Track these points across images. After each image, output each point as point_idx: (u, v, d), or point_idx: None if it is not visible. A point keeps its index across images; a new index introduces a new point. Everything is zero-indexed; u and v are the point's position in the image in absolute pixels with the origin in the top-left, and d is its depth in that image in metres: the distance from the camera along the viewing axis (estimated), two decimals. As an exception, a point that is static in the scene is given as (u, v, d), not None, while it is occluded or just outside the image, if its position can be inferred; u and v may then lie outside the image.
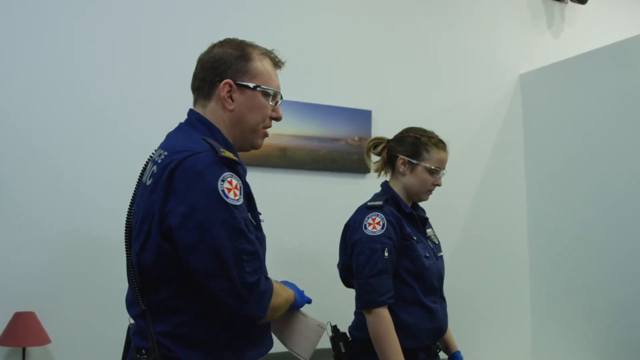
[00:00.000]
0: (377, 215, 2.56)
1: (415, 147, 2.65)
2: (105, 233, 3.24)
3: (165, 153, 1.70)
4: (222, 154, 1.64)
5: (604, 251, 3.99)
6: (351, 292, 2.63)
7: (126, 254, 1.76)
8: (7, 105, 3.16)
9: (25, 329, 2.97)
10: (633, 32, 4.12)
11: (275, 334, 2.00)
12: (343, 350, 2.57)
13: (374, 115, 4.04)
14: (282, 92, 1.92)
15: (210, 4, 3.65)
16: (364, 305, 2.51)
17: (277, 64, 1.92)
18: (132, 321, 1.82)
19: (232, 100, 1.81)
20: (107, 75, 3.37)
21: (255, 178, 3.50)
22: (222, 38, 1.93)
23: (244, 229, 1.63)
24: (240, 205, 1.64)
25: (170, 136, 1.86)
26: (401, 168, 2.66)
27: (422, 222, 2.73)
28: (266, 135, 1.92)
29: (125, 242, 1.77)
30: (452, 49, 4.46)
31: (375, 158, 2.81)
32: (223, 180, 1.61)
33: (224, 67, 1.81)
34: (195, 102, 1.88)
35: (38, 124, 3.21)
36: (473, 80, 4.53)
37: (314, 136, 3.85)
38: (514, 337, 4.50)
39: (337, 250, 2.79)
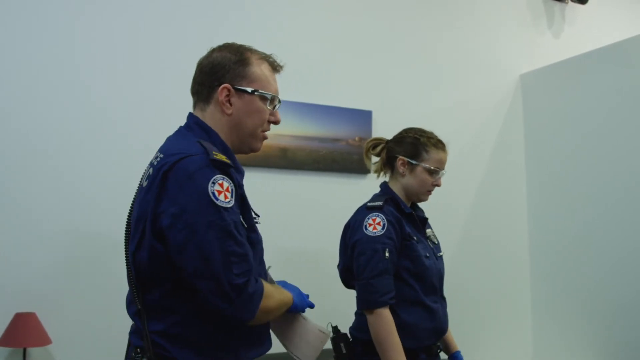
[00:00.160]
0: (378, 215, 2.56)
1: (414, 147, 2.65)
2: (105, 233, 3.24)
3: (161, 156, 1.73)
4: (214, 156, 1.67)
5: (605, 251, 3.99)
6: (352, 293, 2.63)
7: (125, 254, 1.79)
8: (7, 105, 3.16)
9: (25, 330, 2.96)
10: (633, 32, 4.13)
11: (277, 337, 2.00)
12: (344, 351, 2.57)
13: (374, 116, 4.04)
14: (282, 92, 1.95)
15: (210, 4, 3.65)
16: (365, 306, 2.50)
17: (275, 68, 1.94)
18: None
19: (231, 105, 1.83)
20: (107, 75, 3.37)
21: (256, 178, 3.56)
22: (222, 38, 1.94)
23: (234, 231, 1.65)
24: (230, 207, 1.65)
25: (169, 139, 1.88)
26: (400, 169, 2.66)
27: (421, 222, 2.73)
28: (265, 138, 1.94)
29: (125, 242, 1.79)
30: (452, 49, 4.46)
31: (374, 159, 2.81)
32: (214, 183, 1.64)
33: (223, 72, 1.83)
34: (194, 106, 1.90)
35: (38, 124, 3.20)
36: (473, 80, 4.53)
37: (314, 136, 3.85)
38: (515, 337, 4.49)
39: (338, 251, 2.78)
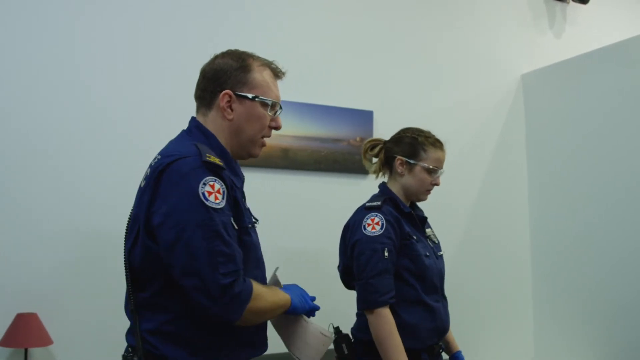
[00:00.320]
0: (376, 215, 2.56)
1: (412, 147, 2.65)
2: (106, 233, 3.23)
3: (159, 157, 1.78)
4: (207, 159, 1.70)
5: (606, 251, 3.98)
6: (353, 293, 2.63)
7: (123, 253, 1.82)
8: (7, 105, 3.16)
9: (27, 330, 2.96)
10: (634, 32, 4.12)
11: (281, 339, 2.00)
12: (346, 352, 2.57)
13: (375, 116, 4.04)
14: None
15: (210, 4, 3.65)
16: (365, 306, 2.50)
17: (277, 74, 1.97)
18: None
19: (232, 110, 1.87)
20: (107, 75, 3.37)
21: (257, 179, 3.57)
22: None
23: (222, 231, 1.67)
24: (220, 208, 1.69)
25: (169, 142, 1.91)
26: (399, 168, 2.66)
27: (421, 221, 2.73)
28: (264, 145, 1.97)
29: (124, 241, 1.83)
30: (453, 49, 4.46)
31: (374, 160, 2.81)
32: (205, 184, 1.67)
33: (225, 78, 1.87)
34: (197, 111, 1.95)
35: (38, 124, 3.20)
36: (475, 80, 4.53)
37: (315, 137, 3.85)
38: (516, 337, 4.49)
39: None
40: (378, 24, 4.18)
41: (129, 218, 1.82)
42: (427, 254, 2.61)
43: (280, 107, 1.97)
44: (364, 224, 2.56)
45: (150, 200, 1.71)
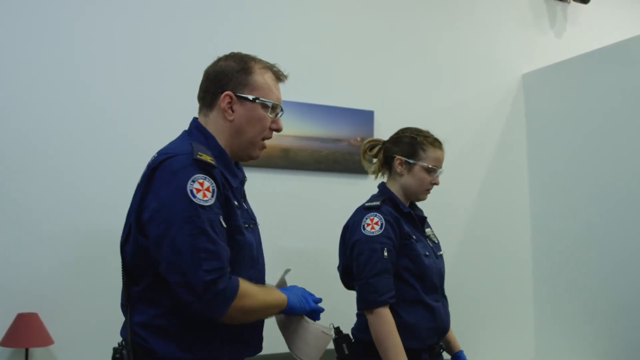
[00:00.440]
0: (375, 215, 2.56)
1: (411, 147, 2.65)
2: (106, 233, 3.22)
3: (155, 155, 1.81)
4: (199, 156, 1.72)
5: (607, 251, 3.98)
6: (352, 293, 2.62)
7: None
8: (7, 105, 3.16)
9: (28, 330, 2.97)
10: (635, 31, 4.12)
11: (284, 339, 2.01)
12: (346, 352, 2.57)
13: (376, 116, 4.04)
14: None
15: (210, 4, 3.65)
16: (365, 306, 2.50)
17: (279, 77, 1.99)
18: None
19: (233, 112, 1.89)
20: (107, 75, 3.37)
21: (258, 179, 3.57)
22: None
23: (208, 228, 1.68)
24: (208, 206, 1.70)
25: (170, 142, 1.93)
26: (398, 168, 2.65)
27: (420, 221, 2.72)
28: (264, 147, 1.99)
29: None
30: (454, 49, 4.46)
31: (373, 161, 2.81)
32: (194, 181, 1.70)
33: (226, 80, 1.89)
34: (199, 112, 1.97)
35: (38, 124, 3.21)
36: (476, 80, 4.53)
37: (316, 137, 3.85)
38: (517, 337, 4.49)
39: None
40: (379, 24, 4.18)
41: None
42: (427, 253, 2.61)
43: (282, 110, 1.99)
44: (363, 224, 2.56)
45: (142, 197, 1.74)
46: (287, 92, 3.74)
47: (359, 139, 3.93)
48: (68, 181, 3.24)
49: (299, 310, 1.93)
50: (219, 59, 1.96)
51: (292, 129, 3.75)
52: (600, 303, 4.02)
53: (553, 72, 4.52)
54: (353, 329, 2.66)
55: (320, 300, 2.03)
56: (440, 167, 2.67)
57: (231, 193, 1.83)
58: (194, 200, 1.67)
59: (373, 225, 2.54)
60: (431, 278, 2.59)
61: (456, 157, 4.08)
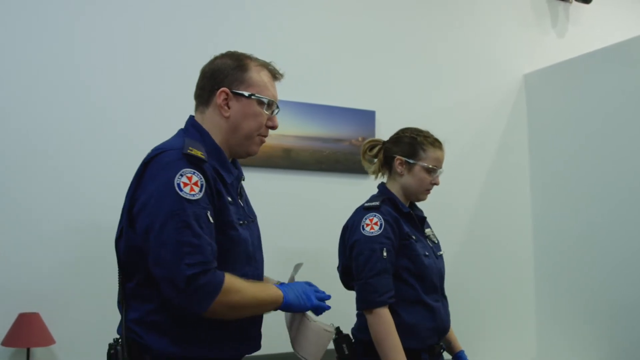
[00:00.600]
0: (375, 215, 2.55)
1: (411, 147, 2.64)
2: (107, 233, 3.18)
3: (149, 152, 1.82)
4: (189, 151, 1.74)
5: (609, 251, 3.98)
6: (353, 293, 2.61)
7: None
8: (7, 105, 3.16)
9: (29, 330, 2.97)
10: (637, 31, 4.12)
11: (289, 336, 2.01)
12: (346, 352, 2.56)
13: (377, 116, 4.04)
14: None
15: (210, 4, 3.65)
16: (364, 306, 2.50)
17: (275, 75, 2.00)
18: None
19: (229, 108, 1.90)
20: (107, 75, 3.37)
21: (259, 179, 3.59)
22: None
23: (193, 222, 1.68)
24: (195, 200, 1.71)
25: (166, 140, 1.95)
26: (398, 168, 2.65)
27: (420, 221, 2.72)
28: (262, 142, 2.00)
29: None
30: (456, 49, 4.46)
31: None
32: (181, 175, 1.71)
33: (222, 77, 1.91)
34: (195, 109, 1.98)
35: (38, 124, 3.21)
36: (477, 80, 4.53)
37: (317, 137, 3.85)
38: (519, 338, 4.48)
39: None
40: (380, 24, 4.18)
41: None
42: (427, 253, 2.60)
43: (278, 107, 1.99)
44: (362, 224, 2.56)
45: (133, 191, 1.77)
46: (288, 92, 3.76)
47: (360, 139, 3.92)
48: (68, 181, 3.25)
49: (297, 307, 1.91)
50: (215, 57, 1.97)
51: (294, 129, 3.76)
52: (601, 303, 4.01)
53: (555, 72, 4.52)
54: (353, 329, 2.65)
55: (327, 297, 2.02)
56: (441, 167, 2.67)
57: (224, 188, 1.83)
58: (181, 193, 1.68)
59: (372, 225, 2.53)
60: (431, 278, 2.58)
61: (457, 157, 4.09)
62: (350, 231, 2.63)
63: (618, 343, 3.90)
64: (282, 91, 3.76)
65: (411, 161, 2.62)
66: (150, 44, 3.48)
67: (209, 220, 1.73)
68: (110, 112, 3.35)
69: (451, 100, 4.39)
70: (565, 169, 4.35)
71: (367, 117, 4.01)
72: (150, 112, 3.40)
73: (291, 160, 3.78)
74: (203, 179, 1.74)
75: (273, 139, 3.64)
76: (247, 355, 1.92)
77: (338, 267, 2.77)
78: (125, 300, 1.81)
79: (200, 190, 1.72)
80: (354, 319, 2.67)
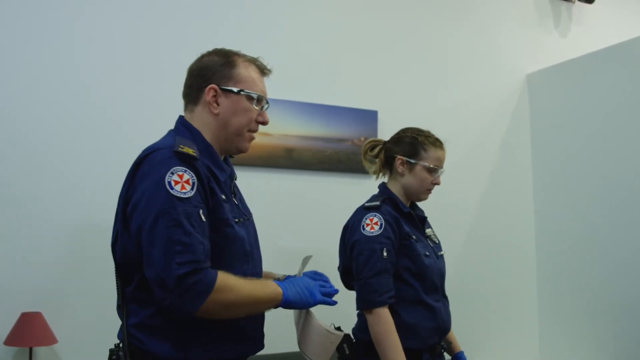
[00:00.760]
0: (375, 215, 2.56)
1: (413, 146, 2.64)
2: (110, 232, 3.21)
3: (141, 152, 1.82)
4: (180, 149, 1.72)
5: (612, 251, 3.96)
6: (354, 293, 2.61)
7: None
8: (8, 105, 3.16)
9: (31, 329, 2.98)
10: (640, 31, 4.09)
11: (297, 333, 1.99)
12: (347, 352, 2.55)
13: (380, 116, 4.04)
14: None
15: (210, 4, 3.65)
16: (364, 306, 2.50)
17: (263, 71, 1.99)
18: None
19: (218, 105, 1.89)
20: (107, 75, 3.37)
21: (261, 178, 3.60)
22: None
23: (183, 220, 1.66)
24: (186, 198, 1.68)
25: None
26: (400, 168, 2.65)
27: (420, 221, 2.72)
28: (252, 139, 1.98)
29: None
30: (458, 49, 4.45)
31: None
32: (172, 173, 1.69)
33: (210, 74, 1.90)
34: (185, 109, 1.98)
35: (38, 124, 3.21)
36: (480, 80, 4.52)
37: (319, 137, 3.85)
38: (522, 337, 4.48)
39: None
40: (382, 24, 4.18)
41: None
42: (427, 253, 2.60)
43: (267, 102, 1.98)
44: (362, 224, 2.56)
45: (125, 192, 1.76)
46: (291, 92, 3.76)
47: (362, 138, 3.92)
48: (70, 180, 3.25)
49: (298, 304, 1.86)
50: (202, 55, 1.97)
51: (296, 129, 3.76)
52: (604, 303, 4.00)
53: (557, 72, 4.51)
54: (354, 329, 2.65)
55: (334, 291, 1.96)
56: (442, 167, 2.67)
57: (217, 186, 1.82)
58: (172, 192, 1.66)
59: (372, 225, 2.53)
60: (431, 278, 2.58)
61: (460, 157, 4.10)
62: (351, 231, 2.63)
63: (621, 343, 3.89)
64: (285, 91, 3.77)
65: (412, 161, 2.62)
66: (150, 44, 3.48)
67: (201, 218, 1.71)
68: (110, 112, 3.35)
69: (454, 100, 4.38)
70: (568, 169, 4.33)
71: (369, 117, 4.01)
72: (150, 112, 3.39)
73: (293, 160, 3.78)
74: (195, 177, 1.72)
75: (275, 138, 3.64)
76: (249, 354, 1.89)
77: (339, 267, 2.77)
78: (125, 305, 1.79)
79: (192, 189, 1.70)
80: (355, 319, 2.67)
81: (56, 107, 3.25)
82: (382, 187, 2.72)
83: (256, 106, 1.92)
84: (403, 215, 2.61)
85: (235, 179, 2.00)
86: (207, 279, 1.66)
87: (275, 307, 1.84)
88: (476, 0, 4.60)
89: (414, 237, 2.59)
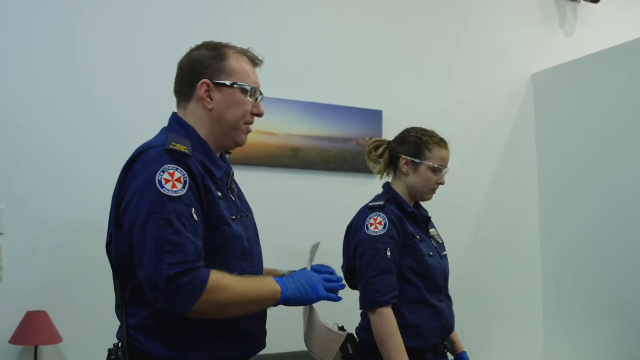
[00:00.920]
0: (379, 215, 2.55)
1: (417, 146, 2.64)
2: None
3: (133, 151, 1.79)
4: (172, 147, 1.69)
5: (617, 251, 3.95)
6: (357, 293, 2.60)
7: None
8: (8, 105, 3.16)
9: (36, 328, 2.98)
10: (645, 30, 4.07)
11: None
12: (350, 352, 2.55)
13: (384, 115, 4.03)
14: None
15: (210, 4, 3.65)
16: (367, 306, 2.50)
17: (254, 62, 1.95)
18: None
19: (211, 99, 1.86)
20: (107, 75, 3.36)
21: (266, 178, 3.62)
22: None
23: (174, 220, 1.62)
24: (177, 196, 1.65)
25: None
26: (404, 168, 2.65)
27: (424, 221, 2.72)
28: (249, 131, 1.95)
29: None
30: (463, 49, 4.45)
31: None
32: (163, 171, 1.66)
33: (201, 68, 1.87)
34: (177, 105, 1.96)
35: (39, 124, 3.21)
36: (485, 79, 4.51)
37: (324, 136, 3.86)
38: (526, 337, 4.47)
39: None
40: (387, 23, 4.18)
41: None
42: (431, 253, 2.60)
43: (261, 94, 1.94)
44: (366, 223, 2.56)
45: (118, 192, 1.74)
46: (296, 92, 3.74)
47: (367, 138, 3.91)
48: (74, 181, 3.25)
49: (299, 301, 1.80)
50: (191, 50, 1.93)
51: (301, 129, 3.77)
52: (609, 303, 3.98)
53: (563, 72, 4.49)
54: (357, 329, 2.65)
55: (340, 286, 1.90)
56: (446, 167, 2.67)
57: (212, 183, 1.78)
58: (162, 190, 1.63)
59: (376, 224, 2.53)
60: (435, 278, 2.58)
61: (464, 157, 4.12)
62: (355, 230, 2.63)
63: (626, 342, 3.87)
64: (289, 91, 3.75)
65: (417, 160, 2.62)
66: (150, 44, 3.47)
67: (193, 217, 1.67)
68: (110, 112, 3.35)
69: (458, 100, 4.37)
70: (573, 168, 4.32)
71: (374, 117, 4.00)
72: (150, 112, 3.35)
73: (298, 160, 3.79)
74: (186, 175, 1.68)
75: (280, 138, 3.66)
76: (251, 354, 1.86)
77: (342, 267, 2.76)
78: (124, 306, 1.76)
79: (184, 187, 1.66)
80: (358, 318, 2.66)
81: (56, 106, 3.24)
82: (386, 186, 2.72)
83: (250, 98, 1.89)
84: (407, 215, 2.61)
85: (232, 175, 1.96)
86: (199, 279, 1.62)
87: (275, 305, 1.79)
88: (481, 0, 4.59)
89: (418, 237, 2.59)
